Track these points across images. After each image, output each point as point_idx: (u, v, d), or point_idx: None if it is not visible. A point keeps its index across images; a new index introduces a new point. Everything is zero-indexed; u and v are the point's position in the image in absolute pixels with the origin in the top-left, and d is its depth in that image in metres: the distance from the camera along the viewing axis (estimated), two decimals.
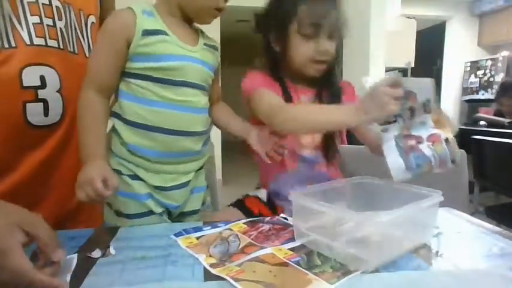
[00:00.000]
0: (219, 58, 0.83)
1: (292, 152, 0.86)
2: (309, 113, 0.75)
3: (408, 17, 3.23)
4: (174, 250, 0.58)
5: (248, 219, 0.73)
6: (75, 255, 0.54)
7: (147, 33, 0.68)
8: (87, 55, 0.74)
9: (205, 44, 0.78)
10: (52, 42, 0.64)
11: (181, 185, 0.76)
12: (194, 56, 0.74)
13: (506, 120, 2.39)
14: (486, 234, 0.65)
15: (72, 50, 0.69)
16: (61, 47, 0.66)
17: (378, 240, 0.50)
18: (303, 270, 0.50)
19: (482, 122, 2.59)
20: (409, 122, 0.63)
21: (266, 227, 0.68)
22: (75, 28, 0.70)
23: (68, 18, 0.68)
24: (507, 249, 0.57)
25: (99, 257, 0.55)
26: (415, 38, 3.20)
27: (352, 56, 2.67)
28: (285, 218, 0.73)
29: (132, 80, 0.70)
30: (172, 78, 0.71)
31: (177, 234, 0.65)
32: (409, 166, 0.61)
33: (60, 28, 0.66)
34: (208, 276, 0.49)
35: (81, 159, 0.64)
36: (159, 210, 0.75)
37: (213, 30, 0.84)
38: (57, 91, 0.65)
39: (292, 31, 0.82)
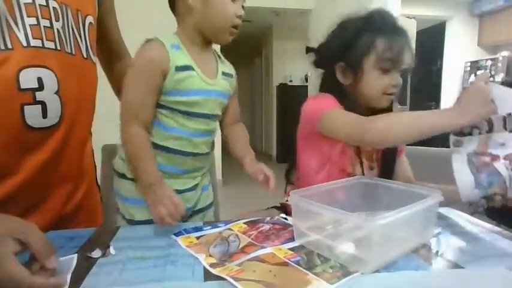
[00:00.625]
0: (236, 82, 0.86)
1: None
2: (406, 120, 0.71)
3: (408, 17, 3.23)
4: (174, 250, 0.58)
5: (248, 219, 0.73)
6: (75, 255, 0.55)
7: (179, 69, 0.72)
8: (85, 56, 0.73)
9: (223, 73, 0.81)
10: (49, 44, 0.64)
11: (193, 187, 0.82)
12: (215, 89, 0.78)
13: None
14: (486, 234, 0.65)
15: (69, 51, 0.68)
16: (58, 48, 0.65)
17: (378, 241, 0.50)
18: (303, 270, 0.50)
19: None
20: (486, 136, 0.59)
21: (266, 226, 0.68)
22: (73, 29, 0.70)
23: (65, 19, 0.68)
24: (507, 249, 0.57)
25: (99, 257, 0.55)
26: (415, 38, 3.20)
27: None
28: (285, 218, 0.73)
29: (158, 109, 0.74)
30: (195, 111, 0.76)
31: (177, 234, 0.65)
32: (479, 183, 0.58)
33: (57, 29, 0.65)
34: (208, 276, 0.49)
35: (144, 185, 0.69)
36: None
37: None
38: (55, 93, 0.64)
39: (368, 64, 0.82)
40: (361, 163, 0.87)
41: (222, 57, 0.85)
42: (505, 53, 3.98)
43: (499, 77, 3.85)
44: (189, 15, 0.74)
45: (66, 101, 0.67)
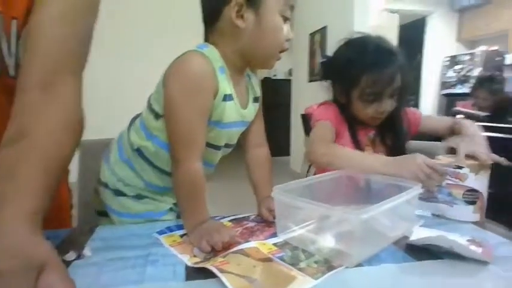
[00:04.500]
0: (261, 104, 0.79)
1: None
2: (345, 163, 0.76)
3: (391, 11, 3.26)
4: (155, 249, 0.57)
5: (233, 217, 0.72)
6: None
7: (224, 98, 0.65)
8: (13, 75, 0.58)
9: (253, 100, 0.75)
10: None
11: None
12: (245, 120, 0.73)
13: (482, 114, 2.47)
14: (465, 224, 0.68)
15: None
16: None
17: (361, 235, 0.50)
18: (288, 265, 0.50)
19: (459, 116, 2.66)
20: None
21: (251, 224, 0.68)
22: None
23: None
24: (483, 237, 0.58)
25: (73, 260, 0.52)
26: (397, 32, 3.24)
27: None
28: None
29: None
30: (218, 144, 0.71)
31: (160, 232, 0.63)
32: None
33: None
34: (190, 276, 0.48)
35: (196, 222, 0.61)
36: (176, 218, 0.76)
37: None
38: None
39: (354, 95, 0.87)
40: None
41: (253, 77, 0.76)
42: (482, 48, 4.08)
43: (476, 72, 3.96)
44: (234, 37, 0.64)
45: None
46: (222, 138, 0.71)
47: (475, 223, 0.69)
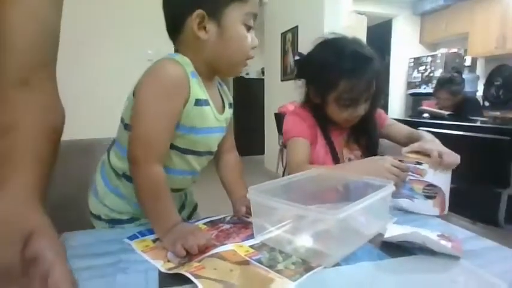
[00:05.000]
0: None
1: None
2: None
3: (360, 13, 3.36)
4: (125, 256, 0.54)
5: (208, 219, 0.70)
6: None
7: (198, 103, 0.64)
8: None
9: (229, 106, 0.75)
10: None
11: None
12: (222, 126, 0.72)
13: (446, 113, 2.60)
14: (433, 219, 0.70)
15: None
16: None
17: (338, 234, 0.50)
18: (265, 268, 0.49)
19: (425, 114, 2.79)
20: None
21: (227, 226, 0.66)
22: None
23: None
24: (452, 232, 0.61)
25: None
26: (366, 33, 3.34)
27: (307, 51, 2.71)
28: (246, 217, 0.71)
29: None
30: (199, 150, 0.70)
31: (132, 238, 0.61)
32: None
33: None
34: (163, 282, 0.46)
35: (166, 227, 0.59)
36: None
37: None
38: None
39: (330, 98, 0.87)
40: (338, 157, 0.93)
41: (223, 85, 0.77)
42: (443, 50, 4.32)
43: (438, 72, 4.18)
44: (199, 48, 0.64)
45: None
46: (200, 144, 0.69)
47: (438, 217, 0.72)
